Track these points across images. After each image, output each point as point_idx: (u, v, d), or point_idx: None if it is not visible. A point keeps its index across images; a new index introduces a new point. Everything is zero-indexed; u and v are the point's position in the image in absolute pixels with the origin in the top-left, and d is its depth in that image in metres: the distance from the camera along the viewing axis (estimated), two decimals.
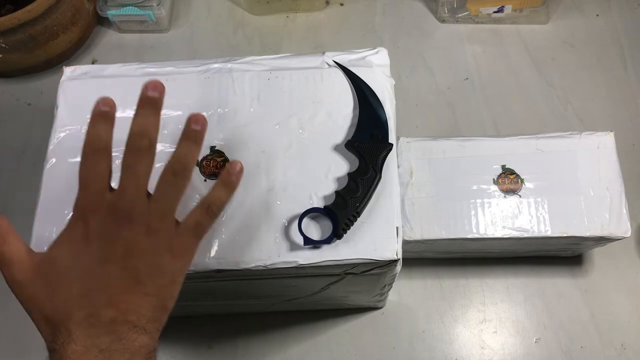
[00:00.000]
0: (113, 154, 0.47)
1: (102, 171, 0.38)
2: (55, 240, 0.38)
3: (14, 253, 0.37)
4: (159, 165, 0.39)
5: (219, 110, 0.50)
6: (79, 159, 0.47)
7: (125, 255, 0.37)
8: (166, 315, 0.39)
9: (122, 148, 0.47)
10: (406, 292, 0.67)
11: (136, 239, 0.37)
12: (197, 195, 0.46)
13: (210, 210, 0.39)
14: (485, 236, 0.58)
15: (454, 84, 0.80)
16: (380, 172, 0.46)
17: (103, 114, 0.39)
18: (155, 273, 0.37)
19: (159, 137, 0.48)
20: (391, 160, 0.47)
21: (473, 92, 0.80)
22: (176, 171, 0.38)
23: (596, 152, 0.61)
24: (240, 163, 0.41)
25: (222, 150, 0.48)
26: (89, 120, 0.39)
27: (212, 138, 0.48)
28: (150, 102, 0.39)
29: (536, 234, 0.58)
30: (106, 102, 0.39)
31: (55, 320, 0.36)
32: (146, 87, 0.40)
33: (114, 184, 0.39)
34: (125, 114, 0.50)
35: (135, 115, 0.39)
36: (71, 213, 0.38)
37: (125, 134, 0.49)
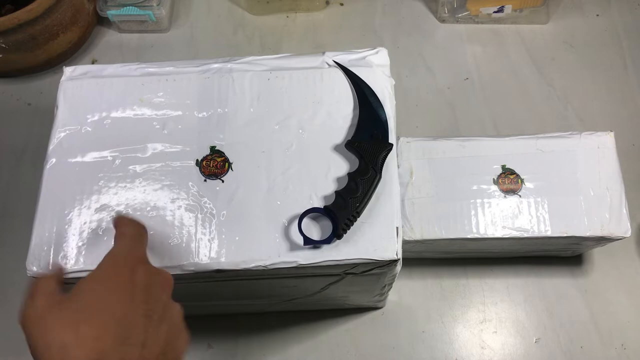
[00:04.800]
0: (113, 154, 0.48)
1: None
2: (92, 275, 0.37)
3: (44, 287, 0.37)
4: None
5: (219, 110, 0.50)
6: (79, 158, 0.48)
7: (161, 318, 0.37)
8: None
9: (122, 148, 0.48)
10: (406, 292, 0.67)
11: (170, 306, 0.38)
12: (196, 193, 0.46)
13: None
14: (485, 236, 0.58)
15: (454, 84, 0.80)
16: (380, 172, 0.46)
17: None
18: (175, 350, 0.37)
19: (160, 137, 0.48)
20: (391, 160, 0.47)
21: (473, 92, 0.80)
22: None
23: (596, 152, 0.61)
24: None
25: (222, 150, 0.48)
26: None
27: (212, 138, 0.48)
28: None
29: (536, 234, 0.58)
30: None
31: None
32: None
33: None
34: (125, 114, 0.50)
35: None
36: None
37: (125, 134, 0.49)
